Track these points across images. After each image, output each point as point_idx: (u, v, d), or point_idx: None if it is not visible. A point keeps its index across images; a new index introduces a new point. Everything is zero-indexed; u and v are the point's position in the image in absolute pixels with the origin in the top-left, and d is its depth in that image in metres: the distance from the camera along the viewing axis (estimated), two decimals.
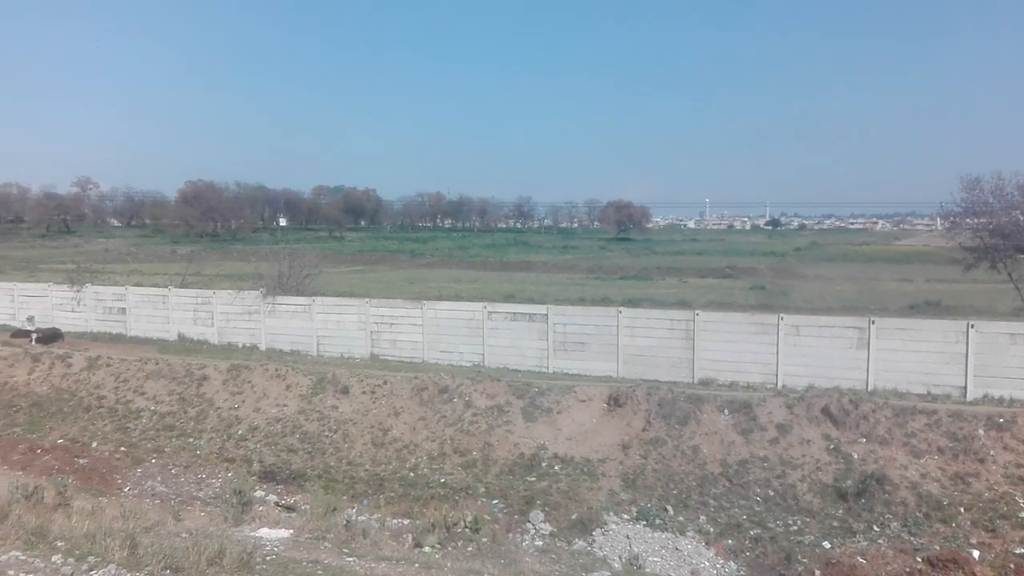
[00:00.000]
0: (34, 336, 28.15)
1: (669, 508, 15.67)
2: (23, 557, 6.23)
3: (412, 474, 18.11)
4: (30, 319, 31.18)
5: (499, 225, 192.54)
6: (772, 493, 15.82)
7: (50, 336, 28.53)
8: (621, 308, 23.56)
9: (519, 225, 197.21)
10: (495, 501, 16.41)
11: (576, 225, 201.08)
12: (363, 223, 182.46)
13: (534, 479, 17.16)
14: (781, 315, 21.17)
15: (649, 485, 16.50)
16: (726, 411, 17.91)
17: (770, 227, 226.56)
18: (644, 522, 15.30)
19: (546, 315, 23.16)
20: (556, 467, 17.51)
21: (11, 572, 5.77)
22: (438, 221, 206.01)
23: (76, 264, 43.91)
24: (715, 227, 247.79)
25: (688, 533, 14.94)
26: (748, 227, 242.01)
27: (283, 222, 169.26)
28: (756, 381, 20.27)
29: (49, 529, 7.28)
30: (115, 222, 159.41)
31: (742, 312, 25.13)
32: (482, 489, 17.03)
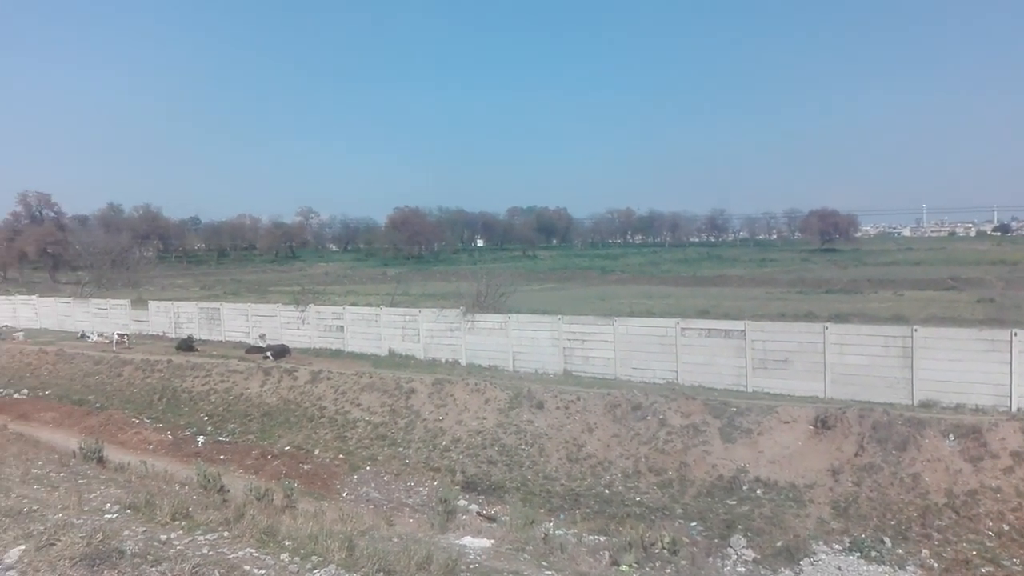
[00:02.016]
0: (268, 352, 31.36)
1: (886, 540, 14.46)
2: (256, 554, 6.85)
3: (607, 491, 18.11)
4: (262, 336, 34.88)
5: (691, 239, 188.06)
6: (1007, 527, 14.11)
7: (279, 352, 31.65)
8: (828, 323, 22.11)
9: (713, 239, 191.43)
10: (693, 523, 16.01)
11: (775, 237, 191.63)
12: (555, 241, 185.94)
13: (734, 502, 16.54)
14: (1015, 330, 18.85)
15: (863, 514, 15.32)
16: (951, 436, 16.24)
17: (999, 233, 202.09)
18: (858, 553, 14.22)
19: (743, 331, 22.29)
20: (758, 491, 16.76)
21: (246, 567, 6.33)
22: (628, 237, 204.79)
23: (300, 286, 48.61)
24: (934, 235, 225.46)
25: (908, 567, 13.70)
26: (973, 233, 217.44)
27: (480, 243, 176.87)
28: (986, 404, 18.19)
29: (278, 529, 7.96)
30: (333, 247, 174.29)
31: (968, 327, 22.67)
32: (679, 510, 16.68)
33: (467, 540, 11.06)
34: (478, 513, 17.02)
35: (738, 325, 22.84)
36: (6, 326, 46.41)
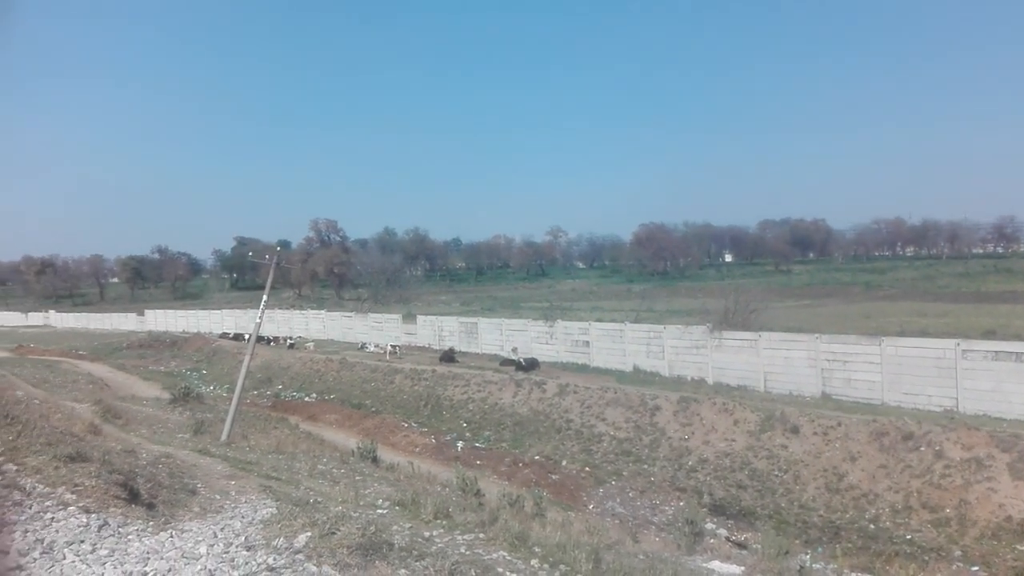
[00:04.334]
0: (521, 363, 32.87)
1: None
2: (508, 557, 7.21)
3: (872, 526, 16.67)
4: (514, 350, 36.65)
5: (975, 251, 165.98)
6: None
7: (529, 364, 33.05)
8: None
9: (1000, 249, 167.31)
10: (975, 568, 14.23)
11: None
12: (811, 255, 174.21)
13: None
14: None
15: None
16: None
17: None
18: None
19: None
20: None
21: (499, 569, 6.67)
22: (898, 249, 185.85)
23: (549, 302, 50.47)
24: None
25: None
26: None
27: (728, 258, 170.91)
28: None
29: (528, 535, 8.28)
30: (580, 264, 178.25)
31: None
32: (957, 552, 14.92)
33: (715, 564, 10.79)
34: (727, 538, 16.47)
35: None
36: (300, 337, 53.34)
